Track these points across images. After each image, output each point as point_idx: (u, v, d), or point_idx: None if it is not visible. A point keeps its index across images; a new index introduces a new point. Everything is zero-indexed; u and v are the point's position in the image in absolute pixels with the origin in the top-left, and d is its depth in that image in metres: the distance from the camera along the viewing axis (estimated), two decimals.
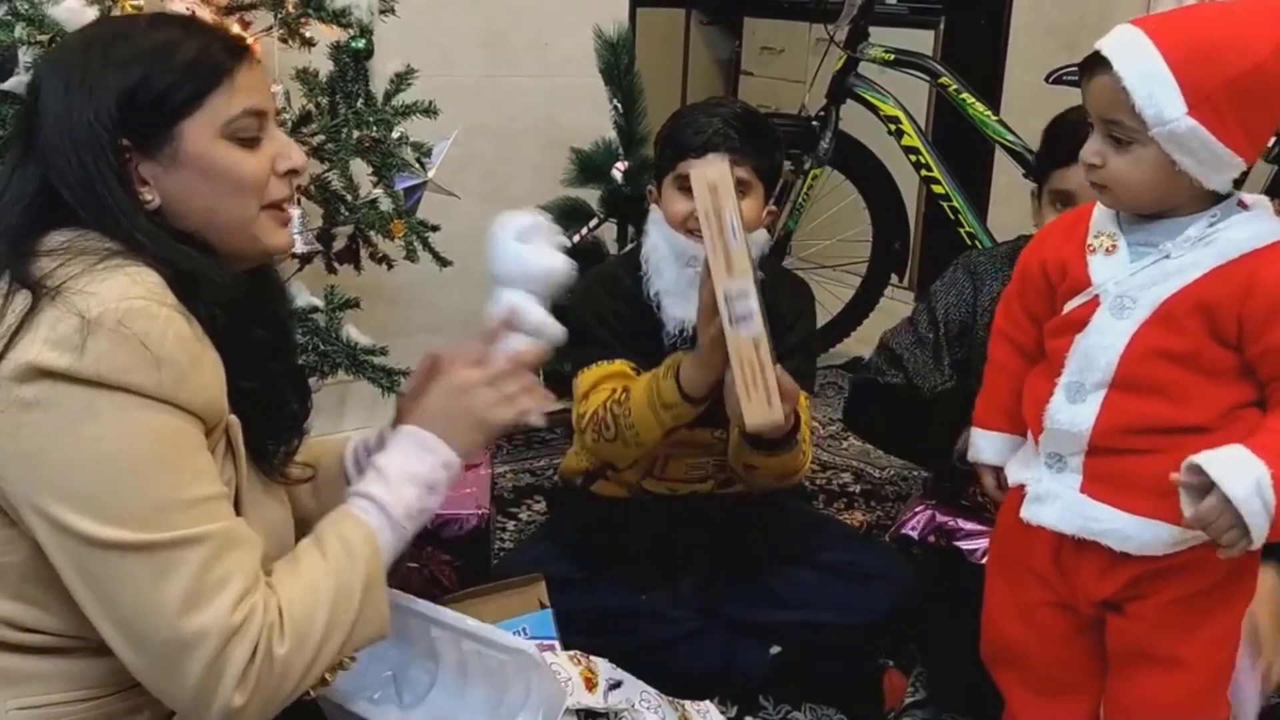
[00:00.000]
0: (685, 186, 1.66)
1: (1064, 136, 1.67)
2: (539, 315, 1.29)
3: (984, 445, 1.46)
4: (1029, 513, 1.34)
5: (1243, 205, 1.26)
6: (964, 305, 1.86)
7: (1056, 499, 1.32)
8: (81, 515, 0.97)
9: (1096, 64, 1.22)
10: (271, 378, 1.18)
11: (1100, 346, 1.27)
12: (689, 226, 1.67)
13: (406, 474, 1.16)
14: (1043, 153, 1.78)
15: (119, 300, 0.99)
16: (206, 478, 1.04)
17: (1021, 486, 1.36)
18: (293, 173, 1.17)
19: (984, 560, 1.75)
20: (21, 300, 1.00)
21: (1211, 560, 1.25)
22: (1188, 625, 1.31)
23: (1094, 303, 1.28)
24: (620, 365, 1.74)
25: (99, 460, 0.98)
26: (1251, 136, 1.20)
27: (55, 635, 1.06)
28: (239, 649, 1.00)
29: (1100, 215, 1.33)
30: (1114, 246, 1.29)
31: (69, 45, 1.16)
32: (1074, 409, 1.28)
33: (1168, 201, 1.25)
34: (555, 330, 1.31)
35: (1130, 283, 1.26)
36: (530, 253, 1.29)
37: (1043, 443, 1.33)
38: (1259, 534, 1.15)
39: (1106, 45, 1.21)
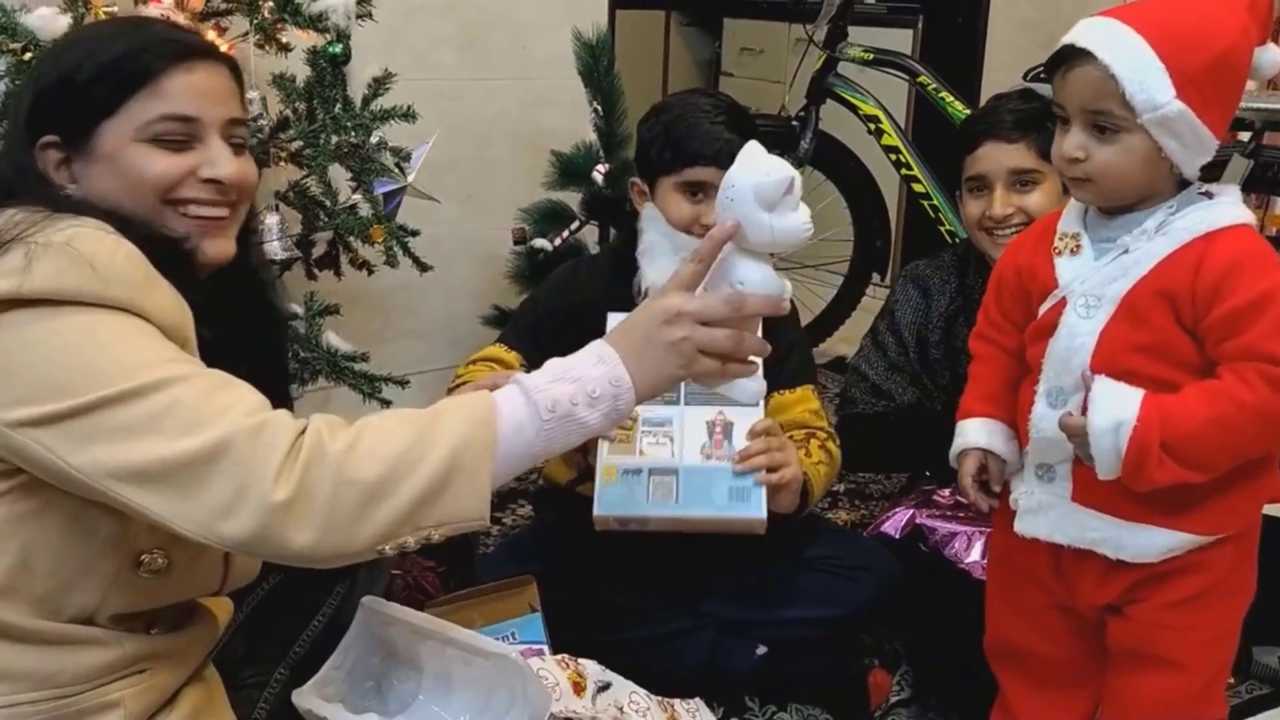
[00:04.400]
0: (692, 191, 1.70)
1: (968, 125, 1.80)
2: (761, 274, 1.15)
3: (969, 429, 1.40)
4: (1023, 526, 1.33)
5: (1208, 196, 1.25)
6: (918, 318, 1.89)
7: (1049, 510, 1.31)
8: (60, 399, 0.95)
9: (1074, 57, 1.21)
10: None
11: (1071, 348, 1.26)
12: (693, 231, 1.68)
13: (568, 373, 1.07)
14: (955, 152, 1.80)
15: (65, 229, 0.99)
16: (183, 356, 1.01)
17: (1014, 499, 1.35)
18: (216, 182, 1.13)
19: (966, 561, 1.76)
20: None
21: (1208, 563, 1.25)
22: (1184, 627, 1.30)
23: (1062, 304, 1.27)
24: (499, 351, 1.78)
25: (61, 350, 0.96)
26: (1225, 116, 1.22)
27: (32, 615, 1.04)
28: (268, 440, 0.94)
29: (1066, 217, 1.32)
30: (1078, 247, 1.28)
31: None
32: (1056, 415, 1.26)
33: (1147, 191, 1.25)
34: (780, 285, 1.17)
35: (1094, 280, 1.25)
36: (778, 222, 1.13)
37: (1031, 453, 1.32)
38: (1101, 469, 1.20)
39: (1084, 38, 1.20)
